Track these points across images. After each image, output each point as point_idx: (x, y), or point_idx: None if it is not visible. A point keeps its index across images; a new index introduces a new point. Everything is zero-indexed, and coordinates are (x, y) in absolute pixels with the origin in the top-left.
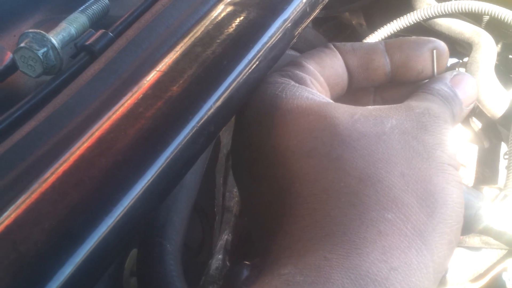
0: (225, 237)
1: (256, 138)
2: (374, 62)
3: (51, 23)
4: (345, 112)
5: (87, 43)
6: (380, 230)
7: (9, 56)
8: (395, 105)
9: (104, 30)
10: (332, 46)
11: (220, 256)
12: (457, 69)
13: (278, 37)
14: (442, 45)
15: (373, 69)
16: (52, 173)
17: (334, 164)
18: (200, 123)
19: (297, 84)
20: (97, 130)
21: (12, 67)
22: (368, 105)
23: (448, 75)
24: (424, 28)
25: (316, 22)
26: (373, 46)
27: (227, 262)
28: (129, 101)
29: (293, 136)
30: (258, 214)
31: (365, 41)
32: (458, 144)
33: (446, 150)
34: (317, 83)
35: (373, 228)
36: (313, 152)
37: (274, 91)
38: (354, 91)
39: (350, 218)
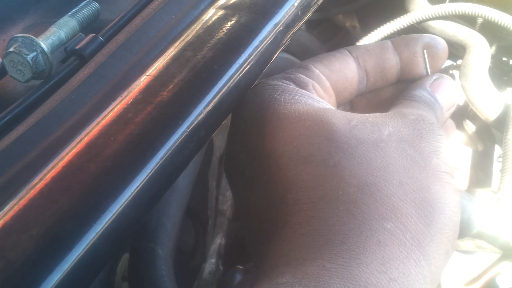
0: (218, 240)
1: (252, 142)
2: (388, 61)
3: (41, 27)
4: (342, 118)
5: (77, 47)
6: (380, 240)
7: None
8: (388, 112)
9: (94, 35)
10: (345, 51)
11: (213, 260)
12: (450, 71)
13: (270, 41)
14: (438, 41)
15: (388, 68)
16: (41, 179)
17: (331, 171)
18: (190, 128)
19: (297, 88)
20: (86, 135)
21: (1, 72)
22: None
23: (428, 80)
24: (417, 31)
25: (310, 24)
26: (383, 44)
27: (220, 266)
28: (118, 106)
29: (290, 142)
30: (251, 218)
31: (358, 43)
32: (452, 149)
33: (442, 158)
34: (320, 87)
35: (372, 237)
36: (310, 159)
37: (273, 94)
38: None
39: (349, 227)
